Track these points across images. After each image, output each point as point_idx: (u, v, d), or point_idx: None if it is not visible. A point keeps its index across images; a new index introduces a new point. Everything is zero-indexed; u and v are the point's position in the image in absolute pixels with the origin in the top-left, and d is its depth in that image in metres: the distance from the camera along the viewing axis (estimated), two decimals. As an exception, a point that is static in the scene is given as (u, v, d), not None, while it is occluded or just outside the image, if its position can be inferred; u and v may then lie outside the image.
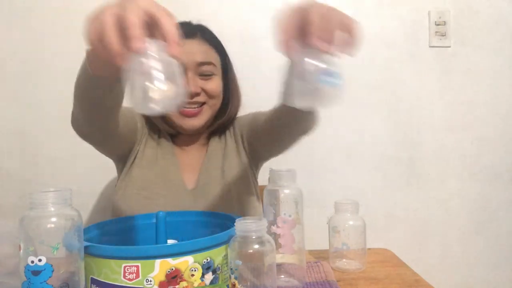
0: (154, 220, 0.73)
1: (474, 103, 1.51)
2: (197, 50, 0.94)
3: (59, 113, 1.38)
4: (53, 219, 0.47)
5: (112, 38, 0.47)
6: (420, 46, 1.48)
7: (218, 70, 0.98)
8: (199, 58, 0.93)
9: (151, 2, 0.49)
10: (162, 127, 0.99)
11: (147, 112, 0.48)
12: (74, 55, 1.38)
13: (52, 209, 0.47)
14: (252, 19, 1.42)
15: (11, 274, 0.54)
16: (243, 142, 1.01)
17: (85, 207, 1.38)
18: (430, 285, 0.68)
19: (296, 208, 0.66)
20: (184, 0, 1.39)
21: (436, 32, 1.47)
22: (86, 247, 0.53)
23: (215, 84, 0.96)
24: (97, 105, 0.71)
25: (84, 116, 0.75)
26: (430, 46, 1.48)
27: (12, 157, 1.38)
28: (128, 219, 0.75)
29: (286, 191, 0.66)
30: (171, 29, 0.49)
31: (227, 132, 1.05)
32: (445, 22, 1.48)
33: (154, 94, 0.46)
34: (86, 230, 0.64)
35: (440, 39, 1.48)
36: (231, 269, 0.53)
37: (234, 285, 0.52)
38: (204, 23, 1.03)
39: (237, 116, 1.08)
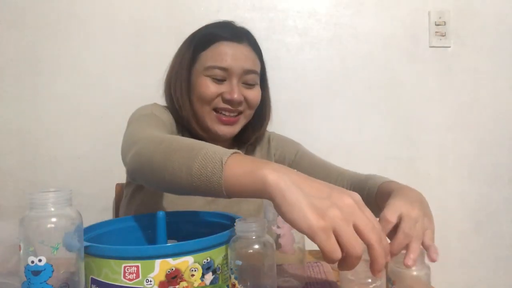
0: (154, 220, 0.73)
1: (474, 103, 1.51)
2: (245, 57, 0.90)
3: (59, 113, 1.38)
4: (53, 219, 0.46)
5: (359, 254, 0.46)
6: (420, 46, 1.48)
7: (259, 80, 0.95)
8: (247, 65, 0.90)
9: (372, 219, 0.47)
10: (195, 131, 0.94)
11: None
12: (74, 55, 1.39)
13: (52, 209, 0.47)
14: (252, 19, 1.42)
15: (11, 274, 0.54)
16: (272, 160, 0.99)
17: (85, 207, 1.38)
18: (430, 285, 0.68)
19: None
20: (184, 0, 1.40)
21: (436, 32, 1.47)
22: (86, 247, 0.53)
23: (256, 94, 0.93)
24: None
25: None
26: (430, 46, 1.48)
27: (12, 157, 1.38)
28: (128, 219, 0.75)
29: None
30: (380, 261, 0.47)
31: (257, 143, 1.02)
32: (445, 22, 1.48)
33: None
34: (86, 230, 0.64)
35: (440, 39, 1.48)
36: (231, 269, 0.53)
37: (234, 285, 0.52)
38: (205, 23, 1.02)
39: (272, 132, 1.06)
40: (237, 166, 0.51)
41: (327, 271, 0.73)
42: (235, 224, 0.54)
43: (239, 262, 0.52)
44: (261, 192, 0.48)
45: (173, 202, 0.88)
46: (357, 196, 0.48)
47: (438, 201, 1.51)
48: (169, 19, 1.39)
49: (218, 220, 0.72)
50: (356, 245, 0.45)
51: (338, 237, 0.45)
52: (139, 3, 1.40)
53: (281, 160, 1.01)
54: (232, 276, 0.53)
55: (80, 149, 1.38)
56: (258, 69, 0.94)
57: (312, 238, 0.46)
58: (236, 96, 0.88)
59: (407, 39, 1.48)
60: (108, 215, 1.37)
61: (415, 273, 0.56)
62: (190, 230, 0.73)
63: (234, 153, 0.53)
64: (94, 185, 1.39)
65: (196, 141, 0.58)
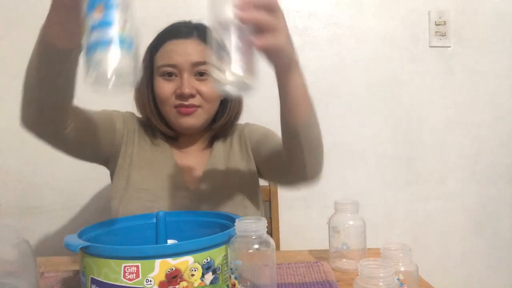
0: (154, 220, 0.73)
1: (474, 103, 1.51)
2: (193, 50, 0.92)
3: (59, 113, 1.38)
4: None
5: None
6: (420, 46, 1.48)
7: None
8: (195, 58, 0.91)
9: None
10: (162, 129, 0.97)
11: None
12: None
13: None
14: (252, 19, 1.42)
15: (11, 274, 0.54)
16: (247, 149, 1.00)
17: (84, 207, 1.38)
18: (430, 285, 0.68)
19: None
20: (184, 0, 1.40)
21: (436, 32, 1.47)
22: (86, 247, 0.53)
23: (210, 86, 0.93)
24: (52, 85, 0.71)
25: (38, 104, 0.75)
26: (430, 46, 1.48)
27: (12, 157, 1.38)
28: (128, 219, 0.75)
29: None
30: None
31: (234, 136, 1.03)
32: (445, 22, 1.48)
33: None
34: (86, 230, 0.64)
35: (440, 39, 1.48)
36: (231, 269, 0.53)
37: (234, 285, 0.52)
38: (205, 22, 1.03)
39: (247, 123, 1.07)
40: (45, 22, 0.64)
41: (327, 271, 0.73)
42: (235, 224, 0.54)
43: (239, 262, 0.52)
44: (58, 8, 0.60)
45: (160, 198, 0.90)
46: None
47: (438, 201, 1.51)
48: (169, 19, 1.39)
49: (218, 220, 0.73)
50: None
51: None
52: (138, 3, 1.40)
53: (250, 141, 1.01)
54: (232, 276, 0.53)
55: (80, 149, 1.38)
56: None
57: None
58: (186, 90, 0.89)
59: (407, 39, 1.48)
60: (108, 215, 1.37)
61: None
62: (190, 230, 0.73)
63: None
64: (94, 185, 1.39)
65: None
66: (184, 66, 0.91)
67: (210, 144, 1.02)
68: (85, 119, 0.85)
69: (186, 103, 0.90)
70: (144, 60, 0.98)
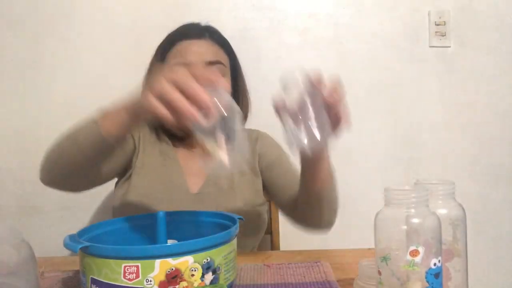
0: (154, 220, 0.73)
1: (474, 103, 1.51)
2: (206, 49, 0.93)
3: (59, 113, 1.38)
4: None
5: (185, 104, 0.51)
6: (420, 46, 1.48)
7: (227, 72, 0.96)
8: (208, 57, 0.91)
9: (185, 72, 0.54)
10: (170, 129, 0.96)
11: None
12: (74, 55, 1.39)
13: None
14: (252, 19, 1.42)
15: (12, 274, 0.54)
16: (254, 159, 0.99)
17: (85, 207, 1.38)
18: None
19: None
20: (184, 0, 1.40)
21: (436, 32, 1.47)
22: (86, 247, 0.53)
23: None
24: (88, 163, 0.71)
25: (66, 174, 0.75)
26: (430, 46, 1.48)
27: (12, 157, 1.38)
28: (128, 219, 0.75)
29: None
30: (220, 79, 0.54)
31: None
32: (445, 22, 1.48)
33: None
34: (86, 230, 0.64)
35: (440, 39, 1.48)
36: None
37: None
38: (212, 24, 1.03)
39: (258, 131, 1.07)
40: (107, 115, 0.65)
41: (327, 271, 0.73)
42: None
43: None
44: (129, 112, 0.60)
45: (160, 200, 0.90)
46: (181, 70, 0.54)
47: (438, 201, 1.51)
48: (169, 19, 1.39)
49: (218, 220, 0.73)
50: (168, 91, 0.52)
51: (161, 95, 0.53)
52: (139, 3, 1.40)
53: (262, 159, 1.01)
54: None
55: (80, 149, 1.38)
56: (223, 60, 0.96)
57: (147, 109, 0.54)
58: None
59: (407, 39, 1.48)
60: (108, 215, 1.37)
61: None
62: (190, 230, 0.73)
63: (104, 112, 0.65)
64: (94, 185, 1.38)
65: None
66: (198, 64, 0.90)
67: None
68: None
69: None
70: (152, 60, 0.98)
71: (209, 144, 0.53)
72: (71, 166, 0.71)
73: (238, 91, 1.01)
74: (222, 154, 0.52)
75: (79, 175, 0.74)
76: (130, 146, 0.95)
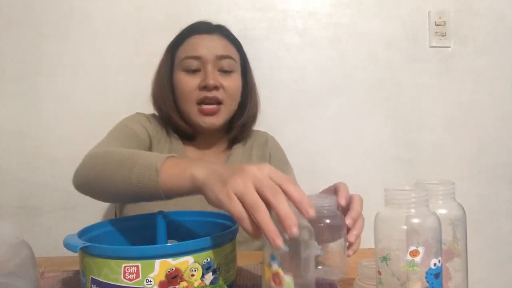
0: (154, 220, 0.73)
1: (474, 103, 1.51)
2: (217, 44, 0.93)
3: (59, 113, 1.38)
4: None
5: (270, 225, 0.45)
6: (420, 46, 1.48)
7: (237, 68, 0.96)
8: (219, 51, 0.92)
9: (275, 171, 0.49)
10: (181, 126, 0.96)
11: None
12: (74, 55, 1.39)
13: None
14: (252, 19, 1.42)
15: (12, 274, 0.54)
16: (265, 159, 1.00)
17: (85, 207, 1.38)
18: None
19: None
20: (184, 1, 1.40)
21: (436, 32, 1.47)
22: (86, 247, 0.53)
23: (234, 81, 0.94)
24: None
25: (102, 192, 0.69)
26: (430, 46, 1.48)
27: (12, 157, 1.38)
28: (128, 219, 0.75)
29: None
30: (302, 197, 0.48)
31: (255, 142, 1.02)
32: (445, 22, 1.48)
33: None
34: (86, 230, 0.64)
35: (440, 39, 1.48)
36: (272, 256, 0.48)
37: (277, 273, 0.48)
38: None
39: (267, 133, 1.07)
40: (171, 169, 0.56)
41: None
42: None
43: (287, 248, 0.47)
44: (193, 189, 0.53)
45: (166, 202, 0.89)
46: (265, 167, 0.49)
47: (438, 201, 1.51)
48: (169, 19, 1.39)
49: (218, 220, 0.73)
50: (257, 205, 0.45)
51: (242, 201, 0.47)
52: (139, 3, 1.40)
53: (271, 159, 1.02)
54: (274, 264, 0.48)
55: (80, 149, 1.37)
56: (233, 55, 0.96)
57: (221, 206, 0.48)
58: (211, 81, 0.89)
59: (407, 39, 1.48)
60: (108, 215, 1.37)
61: None
62: (190, 230, 0.73)
63: (168, 157, 0.57)
64: (94, 185, 1.38)
65: (135, 151, 0.63)
66: (209, 58, 0.90)
67: (228, 147, 1.01)
68: None
69: (210, 95, 0.90)
70: (164, 57, 0.98)
71: (275, 266, 0.48)
72: (106, 194, 0.67)
73: (248, 89, 1.01)
74: (288, 278, 0.47)
75: (109, 200, 0.74)
76: (146, 144, 0.94)
